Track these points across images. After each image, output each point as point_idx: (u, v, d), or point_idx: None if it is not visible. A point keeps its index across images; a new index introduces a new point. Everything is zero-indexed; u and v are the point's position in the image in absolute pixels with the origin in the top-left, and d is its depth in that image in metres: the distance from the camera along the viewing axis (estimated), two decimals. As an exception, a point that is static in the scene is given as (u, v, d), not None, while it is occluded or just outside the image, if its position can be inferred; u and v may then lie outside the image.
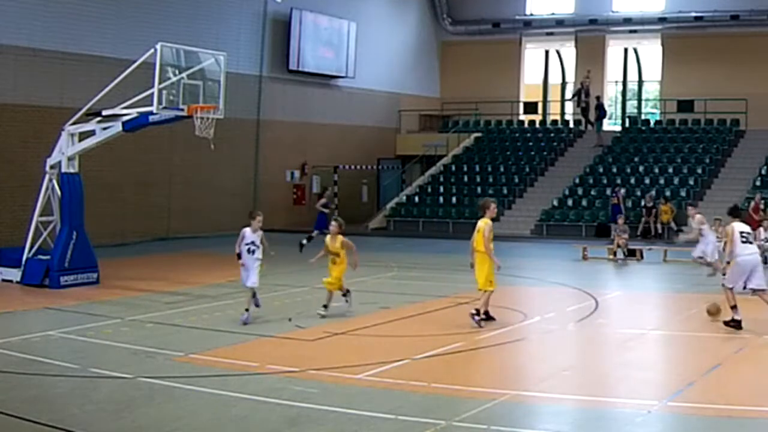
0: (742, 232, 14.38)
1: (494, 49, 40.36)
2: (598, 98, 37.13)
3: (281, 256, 18.46)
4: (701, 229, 20.16)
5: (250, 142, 32.71)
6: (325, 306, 15.35)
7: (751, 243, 14.46)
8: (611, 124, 40.53)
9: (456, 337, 13.40)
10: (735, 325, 14.09)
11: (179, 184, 29.83)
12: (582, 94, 37.50)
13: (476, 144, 38.72)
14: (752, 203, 27.43)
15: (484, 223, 14.47)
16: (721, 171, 33.45)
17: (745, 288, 14.40)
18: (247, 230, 14.75)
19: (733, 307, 14.20)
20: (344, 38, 36.11)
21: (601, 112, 37.10)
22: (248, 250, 14.72)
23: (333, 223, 15.71)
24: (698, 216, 20.58)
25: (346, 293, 15.68)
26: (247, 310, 14.66)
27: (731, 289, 14.30)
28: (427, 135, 39.90)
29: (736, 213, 14.99)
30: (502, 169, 36.23)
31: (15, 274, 19.21)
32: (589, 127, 37.58)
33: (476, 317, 14.31)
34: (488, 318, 14.56)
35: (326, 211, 26.61)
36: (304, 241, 25.33)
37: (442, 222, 33.84)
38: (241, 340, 13.44)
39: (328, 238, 15.48)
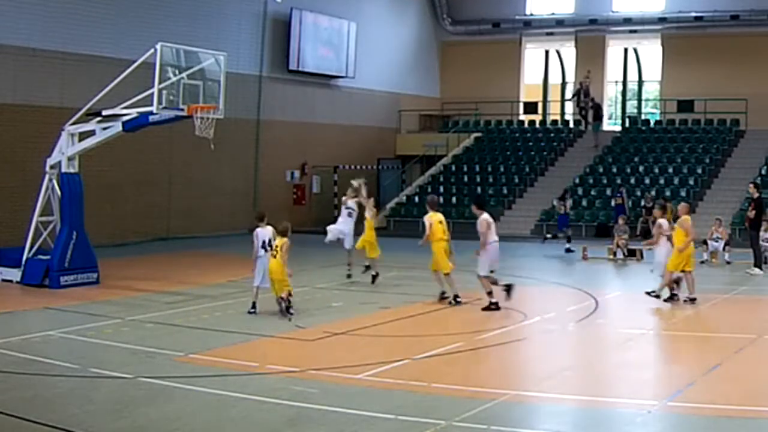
0: (490, 223, 16.12)
1: (494, 49, 40.33)
2: (593, 99, 37.05)
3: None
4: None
5: (250, 142, 32.69)
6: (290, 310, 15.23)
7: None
8: (611, 124, 40.52)
9: (456, 337, 13.40)
10: (494, 307, 15.85)
11: (179, 184, 29.79)
12: (581, 94, 37.49)
13: (476, 144, 38.71)
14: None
15: (439, 216, 16.85)
16: (721, 171, 33.45)
17: (492, 271, 16.29)
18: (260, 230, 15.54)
19: (489, 293, 15.97)
20: (344, 38, 36.08)
21: (597, 113, 36.98)
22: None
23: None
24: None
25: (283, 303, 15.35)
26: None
27: (486, 277, 16.05)
28: (427, 135, 39.87)
29: (483, 204, 16.92)
30: (502, 169, 36.21)
31: (15, 274, 19.19)
32: (589, 127, 37.55)
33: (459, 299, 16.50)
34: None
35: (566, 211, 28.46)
36: (548, 236, 27.66)
37: (442, 222, 33.76)
38: (241, 340, 13.45)
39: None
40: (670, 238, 17.18)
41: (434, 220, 16.87)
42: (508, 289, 16.00)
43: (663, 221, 17.68)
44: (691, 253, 17.03)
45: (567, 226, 27.97)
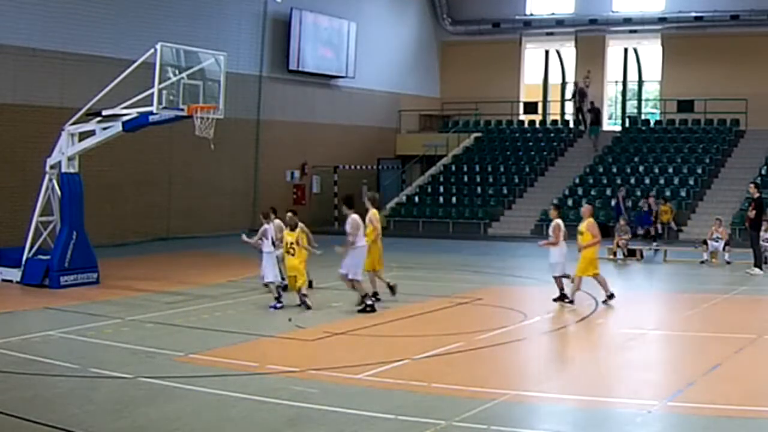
0: (360, 225, 15.87)
1: (494, 49, 40.33)
2: (592, 103, 36.92)
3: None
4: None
5: (250, 142, 32.70)
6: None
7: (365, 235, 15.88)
8: (611, 124, 40.51)
9: (456, 337, 13.40)
10: (370, 309, 15.50)
11: (179, 184, 29.80)
12: (577, 95, 37.37)
13: (476, 144, 38.71)
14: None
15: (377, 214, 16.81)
16: (721, 171, 33.45)
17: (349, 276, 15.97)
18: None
19: (366, 295, 15.64)
20: (344, 38, 36.08)
21: (596, 117, 36.82)
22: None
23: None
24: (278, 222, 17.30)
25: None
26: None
27: (353, 279, 15.69)
28: (427, 135, 39.87)
29: (352, 204, 16.24)
30: (502, 169, 36.21)
31: (15, 274, 19.19)
32: (586, 130, 37.37)
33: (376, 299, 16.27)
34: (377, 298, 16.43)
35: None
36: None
37: (442, 222, 33.82)
38: (241, 340, 13.45)
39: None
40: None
41: (376, 218, 16.92)
42: (392, 289, 15.95)
43: (560, 221, 17.30)
44: (596, 255, 16.75)
45: (650, 223, 28.13)
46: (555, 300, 16.75)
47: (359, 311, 15.60)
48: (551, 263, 16.98)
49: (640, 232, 27.93)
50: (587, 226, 16.84)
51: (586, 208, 17.36)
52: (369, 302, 15.73)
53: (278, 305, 15.86)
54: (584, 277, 16.54)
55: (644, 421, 9.25)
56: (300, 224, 16.30)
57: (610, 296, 16.59)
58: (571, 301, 16.54)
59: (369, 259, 16.52)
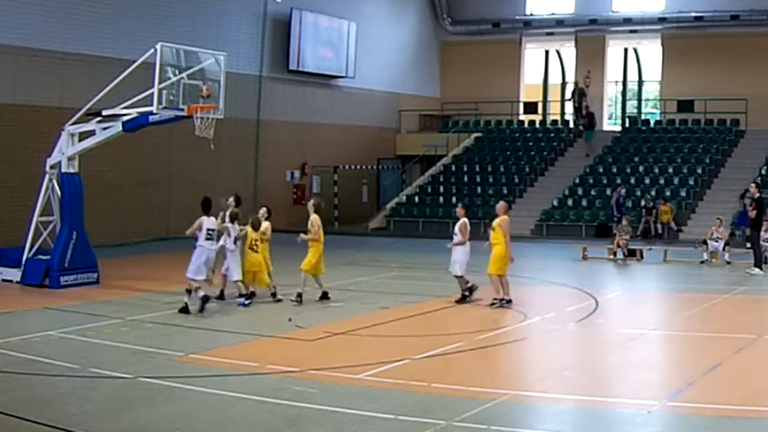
0: (209, 229, 15.69)
1: (494, 49, 40.35)
2: (587, 107, 36.80)
3: (281, 256, 18.46)
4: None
5: (250, 142, 32.69)
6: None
7: (212, 239, 15.85)
8: (611, 124, 40.50)
9: (456, 337, 13.40)
10: (185, 311, 15.28)
11: (179, 184, 29.78)
12: (575, 95, 37.36)
13: (476, 144, 38.71)
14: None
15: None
16: (721, 171, 33.46)
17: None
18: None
19: (189, 291, 15.42)
20: (344, 38, 36.09)
21: (590, 122, 36.71)
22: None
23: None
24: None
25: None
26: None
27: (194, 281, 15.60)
28: (427, 135, 39.88)
29: (207, 207, 15.94)
30: (502, 169, 36.22)
31: (15, 274, 19.18)
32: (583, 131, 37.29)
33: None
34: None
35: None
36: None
37: (442, 222, 33.77)
38: (241, 340, 13.45)
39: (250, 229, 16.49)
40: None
41: (318, 223, 16.82)
42: (204, 300, 15.47)
43: (467, 220, 17.14)
44: (507, 255, 16.48)
45: (747, 225, 27.96)
46: (458, 302, 16.70)
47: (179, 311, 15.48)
48: (452, 260, 16.88)
49: (738, 232, 27.34)
50: (500, 222, 16.50)
51: (501, 205, 16.97)
52: (187, 305, 15.39)
53: (246, 302, 16.06)
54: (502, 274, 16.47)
55: (644, 421, 9.25)
56: (266, 224, 16.71)
57: (508, 301, 16.38)
58: (503, 300, 16.37)
59: (310, 263, 16.65)
